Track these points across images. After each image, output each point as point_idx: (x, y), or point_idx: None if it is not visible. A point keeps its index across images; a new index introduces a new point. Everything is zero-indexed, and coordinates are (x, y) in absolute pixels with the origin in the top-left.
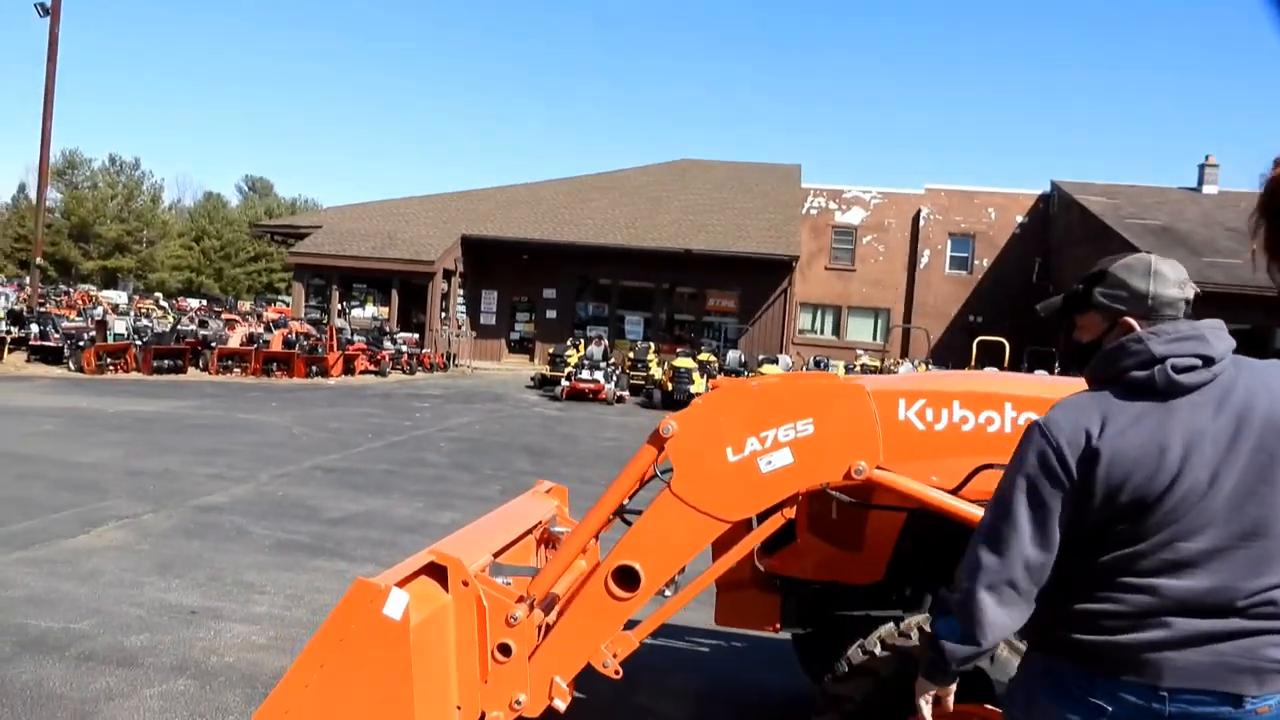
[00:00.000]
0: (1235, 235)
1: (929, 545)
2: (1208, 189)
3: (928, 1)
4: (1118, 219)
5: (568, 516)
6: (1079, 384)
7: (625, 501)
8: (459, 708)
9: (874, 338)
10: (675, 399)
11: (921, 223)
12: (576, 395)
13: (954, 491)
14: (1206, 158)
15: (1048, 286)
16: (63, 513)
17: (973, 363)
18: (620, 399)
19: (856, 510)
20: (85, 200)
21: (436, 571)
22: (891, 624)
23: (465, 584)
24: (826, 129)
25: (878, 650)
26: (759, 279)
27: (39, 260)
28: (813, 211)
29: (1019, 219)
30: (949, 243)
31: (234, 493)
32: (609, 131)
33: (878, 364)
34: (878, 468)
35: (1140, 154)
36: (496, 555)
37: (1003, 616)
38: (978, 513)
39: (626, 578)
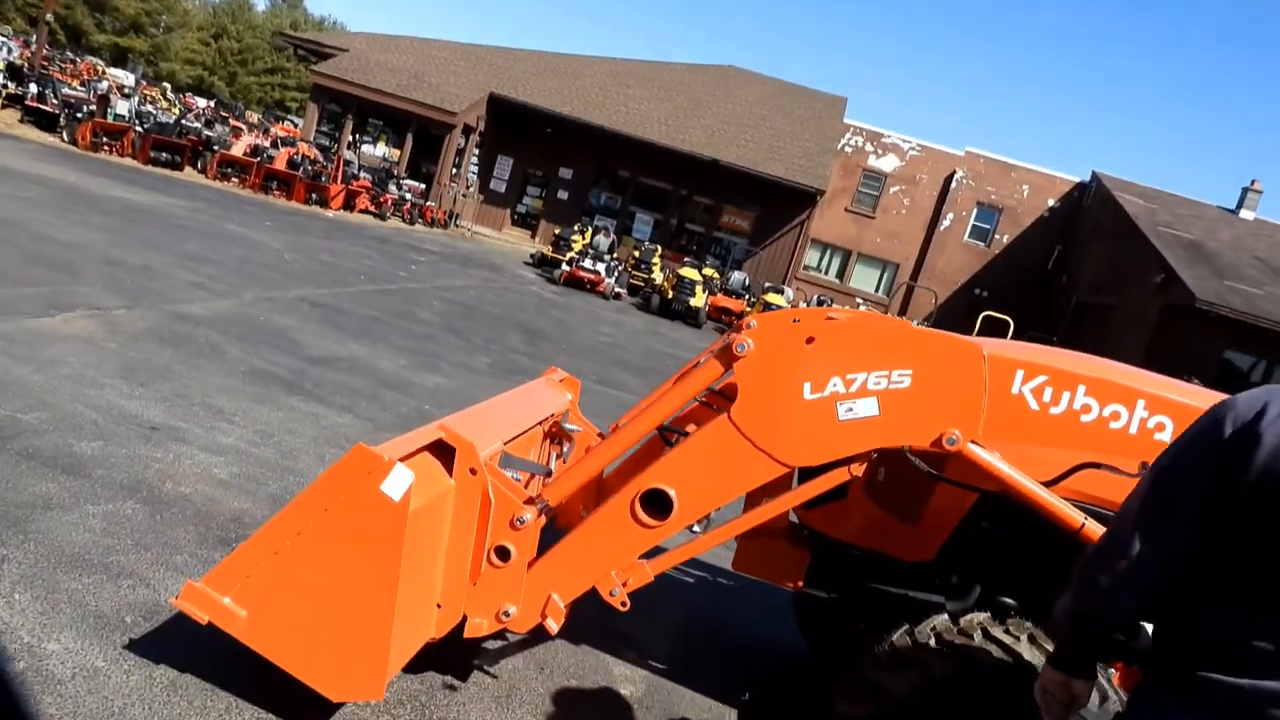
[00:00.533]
0: (1262, 266)
1: (996, 535)
2: (1245, 213)
3: None
4: (1150, 224)
5: (579, 413)
6: (1220, 396)
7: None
8: (439, 605)
9: (877, 289)
10: (673, 308)
11: (953, 185)
12: (574, 282)
13: (1049, 485)
14: (1252, 182)
15: (1062, 276)
16: (29, 288)
17: (973, 336)
18: (617, 295)
19: (923, 479)
20: None
21: (443, 451)
22: (947, 617)
23: (473, 472)
24: (876, 68)
25: (931, 642)
26: (779, 205)
27: (49, 17)
28: (847, 150)
29: (1050, 202)
30: (975, 211)
31: (214, 306)
32: (654, 18)
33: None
34: (972, 441)
35: (1182, 165)
36: (507, 444)
37: (1125, 589)
38: (1075, 516)
39: (657, 503)
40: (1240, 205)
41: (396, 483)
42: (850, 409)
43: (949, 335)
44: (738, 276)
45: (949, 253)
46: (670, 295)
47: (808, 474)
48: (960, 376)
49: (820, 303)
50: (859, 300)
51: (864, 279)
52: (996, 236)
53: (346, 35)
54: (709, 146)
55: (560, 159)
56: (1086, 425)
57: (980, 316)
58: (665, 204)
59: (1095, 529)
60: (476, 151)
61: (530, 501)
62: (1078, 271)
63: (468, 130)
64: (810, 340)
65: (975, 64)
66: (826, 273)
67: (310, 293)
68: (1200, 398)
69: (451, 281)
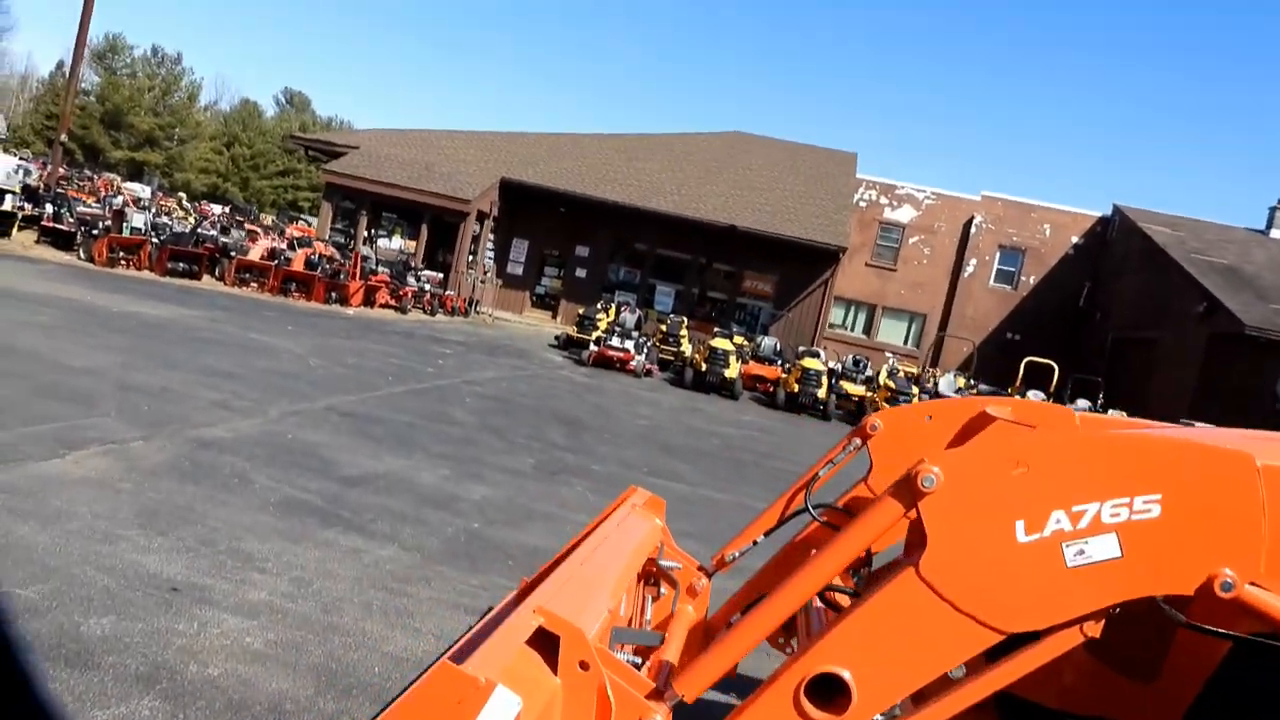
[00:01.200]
0: None
1: (1260, 689)
2: (1275, 233)
3: (1000, 9)
4: (1182, 252)
5: (674, 544)
6: None
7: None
8: None
9: (905, 342)
10: (708, 380)
11: (973, 230)
12: (603, 362)
13: None
14: (1279, 201)
15: (1094, 313)
16: (39, 426)
17: (1018, 384)
18: (648, 372)
19: (1157, 623)
20: (122, 88)
21: (544, 642)
22: None
23: (584, 666)
24: (882, 120)
25: None
26: (800, 266)
27: (64, 138)
28: (862, 204)
29: (1074, 239)
30: (997, 254)
31: (238, 427)
32: (658, 92)
33: (915, 370)
34: (1251, 583)
35: (1202, 190)
36: (613, 611)
37: None
38: None
39: (829, 692)
40: (1270, 225)
41: (500, 711)
42: (1081, 551)
43: (1207, 444)
44: (768, 342)
45: (976, 299)
46: (704, 368)
47: (1021, 636)
48: (1229, 498)
49: (855, 362)
50: (889, 355)
51: (891, 332)
52: (1023, 279)
53: (355, 133)
54: (724, 212)
55: (576, 237)
56: None
57: (1024, 363)
58: (685, 274)
59: None
60: (492, 236)
61: (657, 696)
62: (1111, 307)
63: (481, 216)
64: (1020, 465)
65: (982, 107)
66: (852, 329)
67: (339, 401)
68: None
69: (481, 374)
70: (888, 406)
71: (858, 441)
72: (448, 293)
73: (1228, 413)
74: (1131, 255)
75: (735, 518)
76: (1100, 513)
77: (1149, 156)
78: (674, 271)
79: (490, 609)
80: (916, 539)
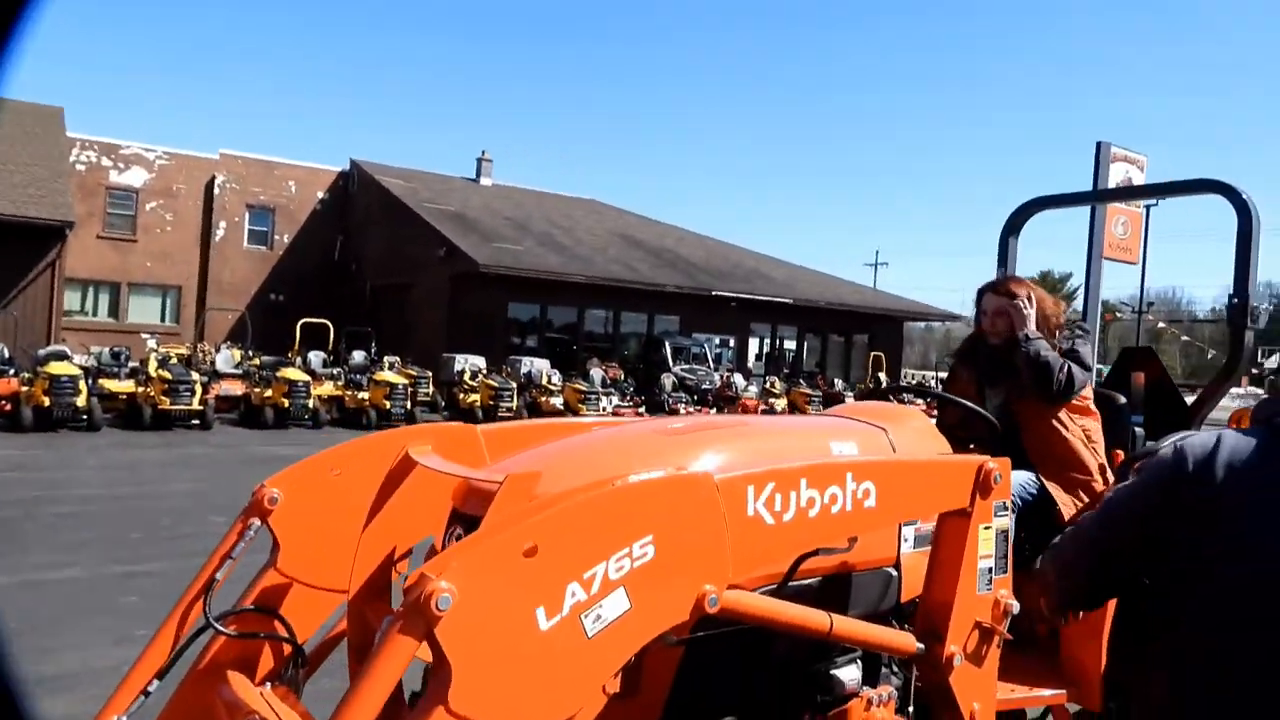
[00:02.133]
0: (512, 224)
1: (707, 677)
2: (485, 180)
3: None
4: (417, 202)
5: None
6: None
7: None
8: None
9: (163, 319)
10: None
11: (216, 191)
12: None
13: (780, 589)
14: (483, 152)
15: (351, 265)
16: None
17: (296, 347)
18: None
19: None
20: None
21: None
22: None
23: None
24: (94, 69)
25: None
26: (15, 248)
27: None
28: (80, 167)
29: (320, 195)
30: (247, 215)
31: None
32: None
33: (185, 351)
34: (728, 588)
35: (425, 142)
36: None
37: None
38: (822, 619)
39: None
40: (479, 174)
41: None
42: (599, 617)
43: (675, 474)
44: None
45: (233, 263)
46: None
47: None
48: (700, 520)
49: (115, 355)
50: (146, 336)
51: (144, 311)
52: (277, 238)
53: None
54: None
55: None
56: (814, 520)
57: (299, 325)
58: None
59: (843, 625)
60: None
61: None
62: (365, 258)
63: None
64: (531, 552)
65: (221, 61)
66: (96, 314)
67: None
68: (861, 437)
69: None
70: (167, 401)
71: (256, 522)
72: None
73: (476, 338)
74: (374, 207)
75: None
76: (607, 571)
77: (385, 114)
78: None
79: None
80: (437, 666)
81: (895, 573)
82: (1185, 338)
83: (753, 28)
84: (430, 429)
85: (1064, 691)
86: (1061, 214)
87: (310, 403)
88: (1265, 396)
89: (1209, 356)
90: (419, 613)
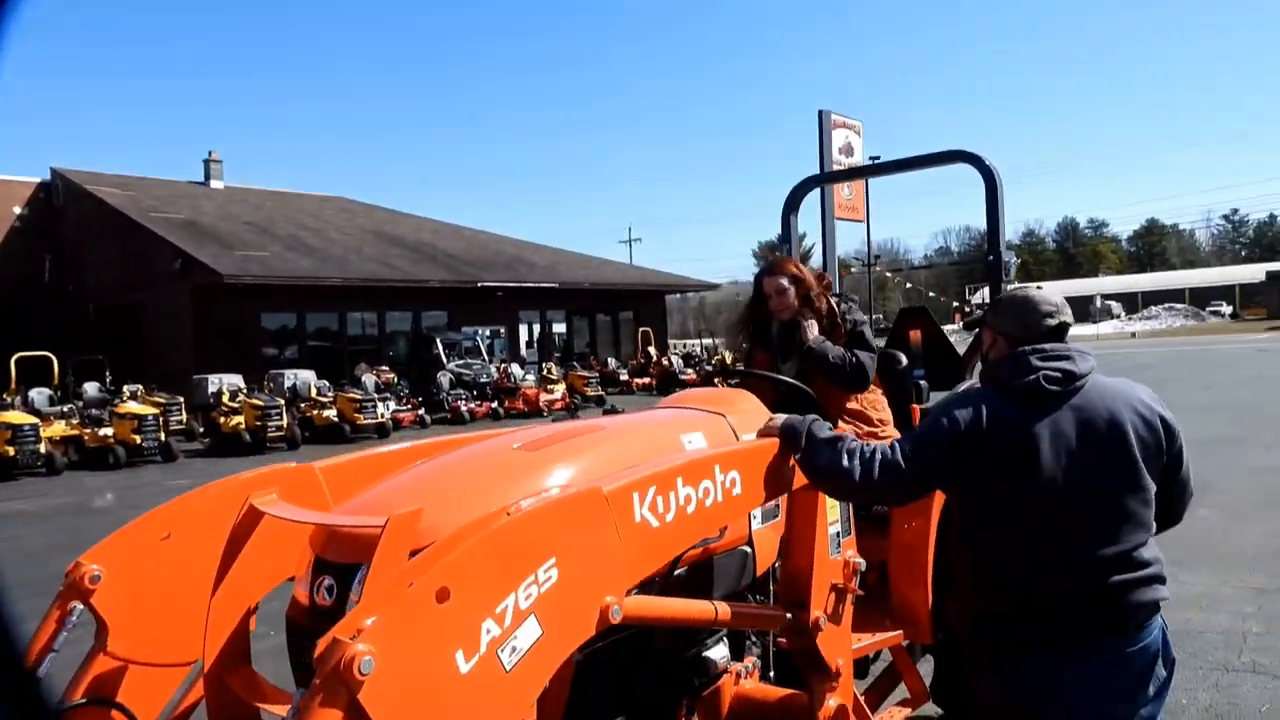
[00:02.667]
0: (255, 228)
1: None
2: (215, 184)
3: None
4: (141, 212)
5: None
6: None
7: None
8: None
9: None
10: None
11: None
12: None
13: (665, 585)
14: (210, 153)
15: (67, 286)
16: None
17: (14, 386)
18: None
19: None
20: None
21: None
22: None
23: None
24: None
25: None
26: None
27: None
28: None
29: (17, 210)
30: None
31: None
32: None
33: None
34: (626, 596)
35: (141, 146)
36: None
37: (875, 481)
38: (707, 609)
39: None
40: (208, 176)
41: None
42: (514, 649)
43: (570, 494)
44: None
45: None
46: None
47: None
48: (595, 534)
49: None
50: None
51: None
52: None
53: None
54: None
55: None
56: (691, 517)
57: (13, 360)
58: None
59: (726, 610)
60: None
61: None
62: (85, 277)
63: None
64: (444, 595)
65: None
66: None
67: None
68: (704, 427)
69: None
70: None
71: (77, 605)
72: None
73: (228, 355)
74: (88, 220)
75: None
76: (517, 601)
77: (79, 115)
78: None
79: None
80: None
81: (750, 550)
82: (909, 284)
83: (481, 11)
84: (266, 474)
85: (900, 632)
86: (791, 180)
87: (41, 447)
88: (992, 359)
89: (928, 297)
90: (340, 681)
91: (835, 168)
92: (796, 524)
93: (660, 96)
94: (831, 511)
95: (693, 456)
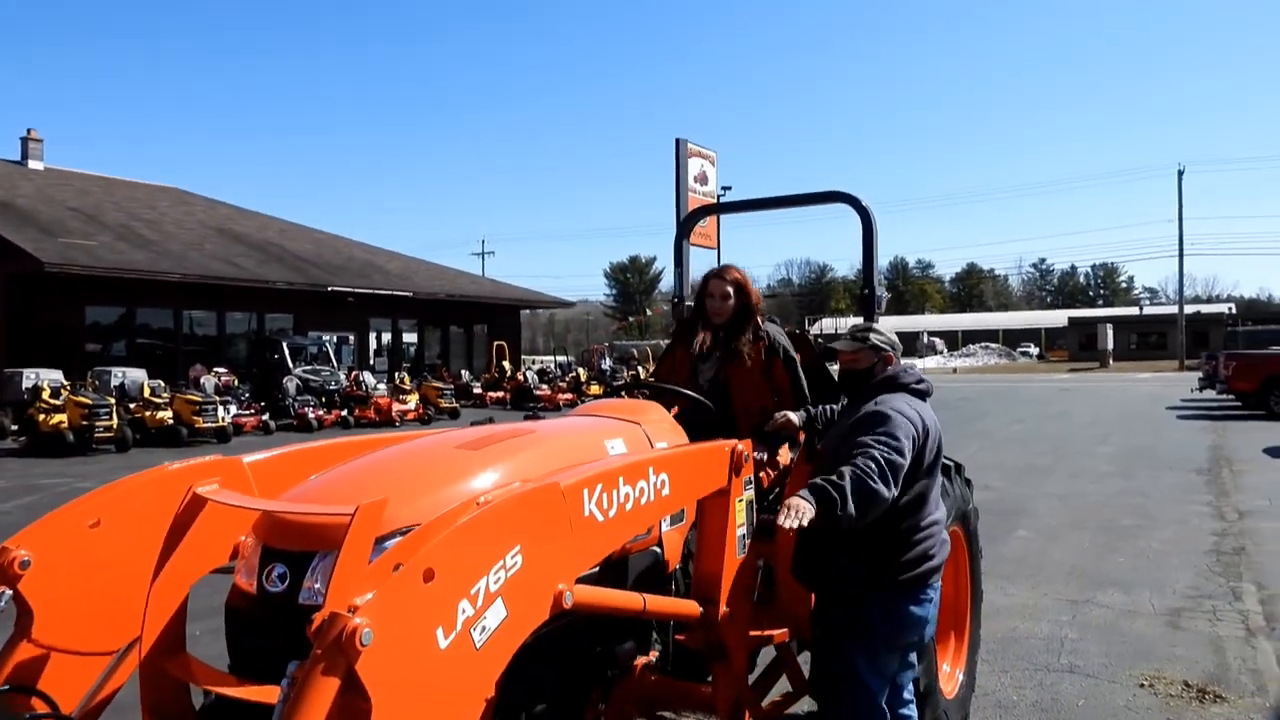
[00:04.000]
0: (80, 215)
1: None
2: (34, 164)
3: None
4: None
5: None
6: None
7: None
8: None
9: None
10: None
11: None
12: None
13: (600, 578)
14: (29, 131)
15: None
16: None
17: None
18: None
19: None
20: None
21: None
22: None
23: None
24: None
25: None
26: None
27: None
28: None
29: None
30: None
31: None
32: None
33: None
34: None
35: None
36: None
37: (893, 486)
38: (635, 600)
39: None
40: (26, 156)
41: None
42: (484, 628)
43: (534, 486)
44: None
45: None
46: None
47: None
48: (552, 525)
49: None
50: None
51: None
52: None
53: None
54: None
55: None
56: (629, 514)
57: None
58: None
59: (657, 602)
60: None
61: None
62: None
63: None
64: (429, 575)
65: None
66: None
67: None
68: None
69: None
70: None
71: (5, 591)
72: None
73: (45, 350)
74: None
75: None
76: (488, 584)
77: None
78: None
79: None
80: (352, 703)
81: (660, 550)
82: None
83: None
84: (199, 465)
85: (786, 629)
86: (644, 206)
87: None
88: (891, 372)
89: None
90: (339, 651)
91: (691, 196)
92: (707, 526)
93: (513, 113)
94: (740, 515)
95: (633, 458)
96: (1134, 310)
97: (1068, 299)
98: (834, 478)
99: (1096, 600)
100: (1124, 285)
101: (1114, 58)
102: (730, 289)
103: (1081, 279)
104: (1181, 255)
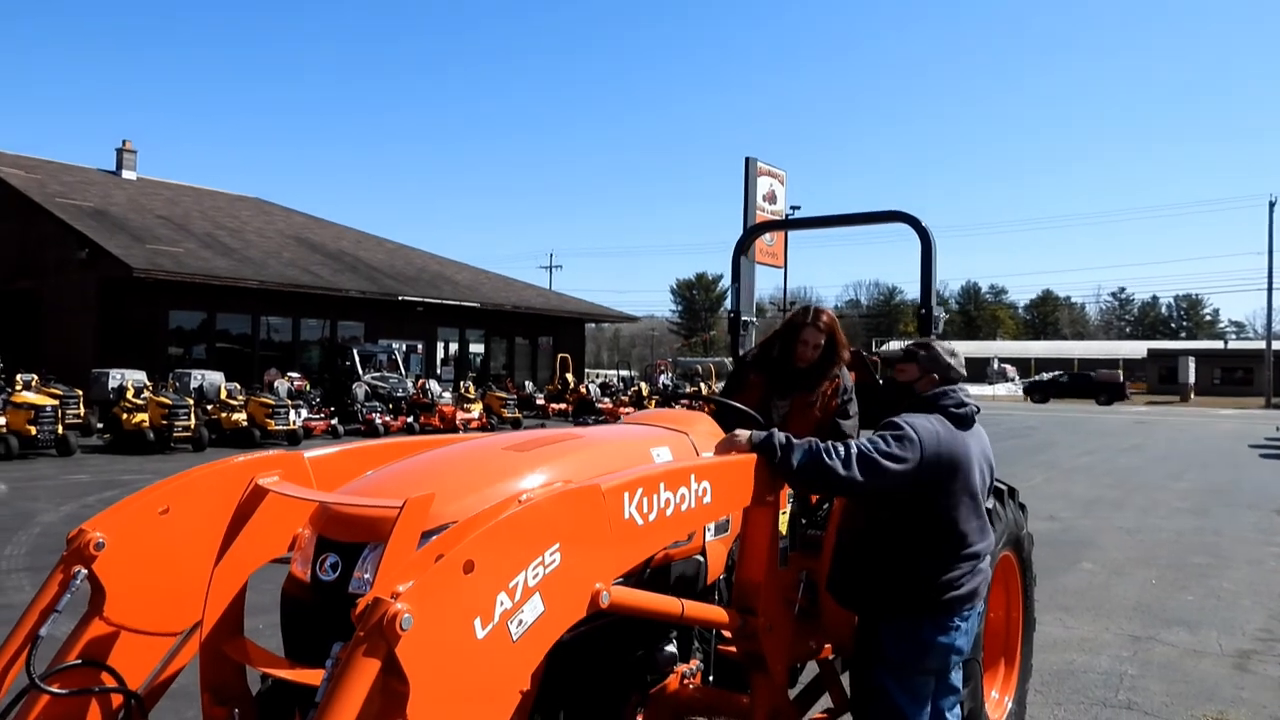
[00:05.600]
0: (169, 224)
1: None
2: (127, 174)
3: None
4: (45, 196)
5: None
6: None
7: None
8: None
9: None
10: None
11: None
12: None
13: (640, 582)
14: (125, 142)
15: None
16: None
17: None
18: None
19: None
20: None
21: None
22: None
23: None
24: None
25: None
26: None
27: None
28: None
29: None
30: None
31: None
32: None
33: None
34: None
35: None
36: None
37: (854, 473)
38: (675, 605)
39: None
40: (120, 166)
41: None
42: (521, 621)
43: (574, 487)
44: None
45: None
46: None
47: None
48: (592, 526)
49: None
50: None
51: None
52: None
53: None
54: None
55: None
56: (670, 519)
57: None
58: None
59: (694, 608)
60: None
61: None
62: None
63: None
64: (469, 567)
65: None
66: None
67: None
68: (657, 443)
69: None
70: None
71: (81, 570)
72: None
73: (132, 351)
74: None
75: None
76: (527, 579)
77: None
78: None
79: None
80: (391, 685)
81: (703, 559)
82: None
83: (416, 25)
84: (263, 459)
85: (828, 645)
86: (718, 222)
87: None
88: (930, 391)
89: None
90: (380, 635)
91: (759, 214)
92: (751, 536)
93: (589, 131)
94: (782, 528)
95: (674, 465)
96: (1218, 344)
97: (1148, 330)
98: (796, 438)
99: (1160, 638)
100: (1208, 318)
101: (1201, 88)
102: (823, 340)
103: (1163, 310)
104: (1270, 288)
